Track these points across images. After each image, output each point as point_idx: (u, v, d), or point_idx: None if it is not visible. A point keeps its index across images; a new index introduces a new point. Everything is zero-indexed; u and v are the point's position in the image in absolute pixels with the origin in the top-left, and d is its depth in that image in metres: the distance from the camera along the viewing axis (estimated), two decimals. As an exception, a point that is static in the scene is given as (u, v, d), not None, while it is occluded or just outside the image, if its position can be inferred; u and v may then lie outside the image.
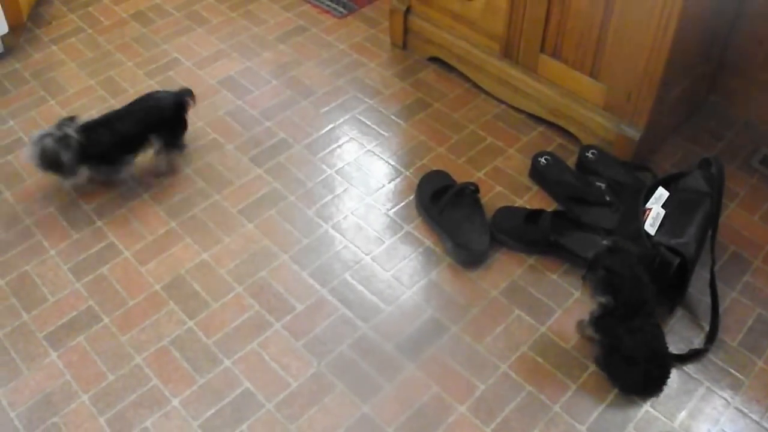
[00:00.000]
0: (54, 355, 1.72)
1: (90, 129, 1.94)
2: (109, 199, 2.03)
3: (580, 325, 1.71)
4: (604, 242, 1.64)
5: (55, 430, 1.60)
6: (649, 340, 1.61)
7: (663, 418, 1.60)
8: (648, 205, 1.85)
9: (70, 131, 1.89)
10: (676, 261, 1.72)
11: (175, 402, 1.64)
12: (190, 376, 1.67)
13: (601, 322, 1.63)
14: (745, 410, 1.61)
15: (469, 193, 1.92)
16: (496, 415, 1.61)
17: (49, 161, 1.88)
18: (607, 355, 1.64)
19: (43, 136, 1.88)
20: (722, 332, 1.74)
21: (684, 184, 1.88)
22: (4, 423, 1.62)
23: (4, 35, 2.48)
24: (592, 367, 1.67)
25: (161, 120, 2.01)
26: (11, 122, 2.27)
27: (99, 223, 1.97)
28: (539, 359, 1.69)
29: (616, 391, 1.62)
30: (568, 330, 1.74)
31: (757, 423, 1.59)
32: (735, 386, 1.66)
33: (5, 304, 1.82)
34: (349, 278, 1.85)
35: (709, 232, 1.82)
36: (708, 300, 1.77)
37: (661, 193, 1.87)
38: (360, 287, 1.83)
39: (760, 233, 1.95)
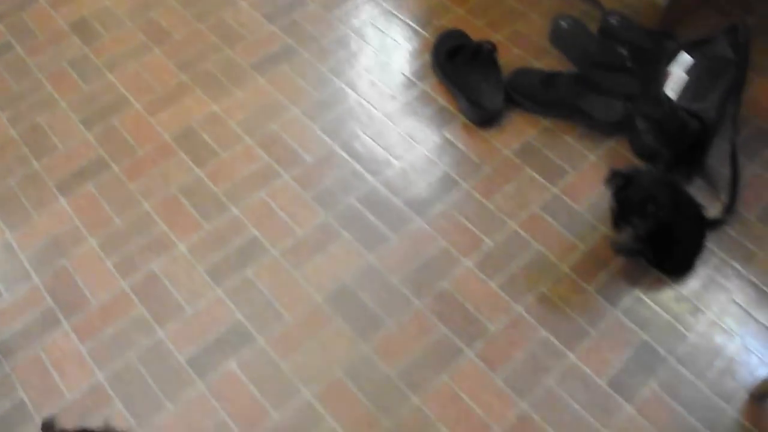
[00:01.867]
0: (63, 201, 1.67)
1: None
2: (120, 54, 1.95)
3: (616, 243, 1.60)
4: (621, 173, 1.51)
5: (63, 273, 1.57)
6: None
7: (673, 285, 1.54)
8: (670, 70, 1.73)
9: None
10: (696, 125, 1.62)
11: (182, 247, 1.59)
12: (197, 223, 1.62)
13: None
14: (757, 282, 1.53)
15: (485, 52, 1.79)
16: (502, 270, 1.54)
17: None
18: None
19: None
20: (740, 205, 1.65)
21: (709, 51, 1.75)
22: (15, 265, 1.59)
23: None
24: (602, 229, 1.59)
25: None
26: None
27: (110, 77, 1.89)
28: (549, 219, 1.61)
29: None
30: (581, 192, 1.65)
31: (766, 292, 1.52)
32: (748, 258, 1.56)
33: (17, 154, 1.75)
34: (360, 133, 1.75)
35: (733, 101, 1.71)
36: (728, 172, 1.67)
37: (684, 59, 1.74)
38: (371, 142, 1.74)
39: (786, 106, 1.83)
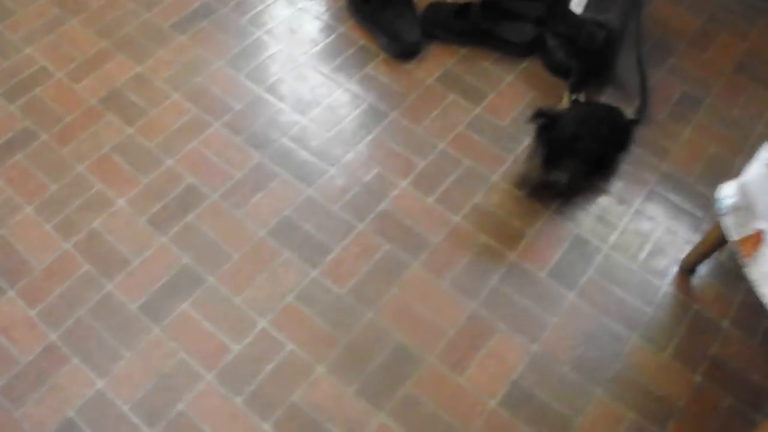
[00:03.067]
0: (-6, 174, 1.63)
1: None
2: (36, 28, 1.89)
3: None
4: (545, 112, 1.48)
5: (1, 242, 1.52)
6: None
7: (599, 183, 1.59)
8: (574, -12, 1.79)
9: None
10: (603, 34, 1.67)
11: (121, 202, 1.56)
12: (134, 178, 1.59)
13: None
14: (673, 172, 1.61)
15: (398, -9, 1.82)
16: (436, 187, 1.57)
17: None
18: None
19: None
20: (651, 107, 1.72)
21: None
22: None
23: None
24: (527, 140, 1.64)
25: None
26: None
27: (28, 50, 1.83)
28: (475, 136, 1.65)
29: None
30: (502, 109, 1.69)
31: (680, 180, 1.59)
32: (663, 153, 1.64)
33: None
34: (284, 77, 1.74)
35: (635, 15, 1.78)
36: (636, 80, 1.74)
37: (586, -24, 1.81)
38: (296, 84, 1.73)
39: (685, 21, 1.91)
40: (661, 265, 1.48)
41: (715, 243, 1.38)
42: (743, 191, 0.96)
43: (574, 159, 1.51)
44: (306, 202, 1.55)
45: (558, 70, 1.75)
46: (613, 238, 1.51)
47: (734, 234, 0.98)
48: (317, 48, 1.81)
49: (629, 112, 1.67)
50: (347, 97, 1.71)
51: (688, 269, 1.47)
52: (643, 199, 1.57)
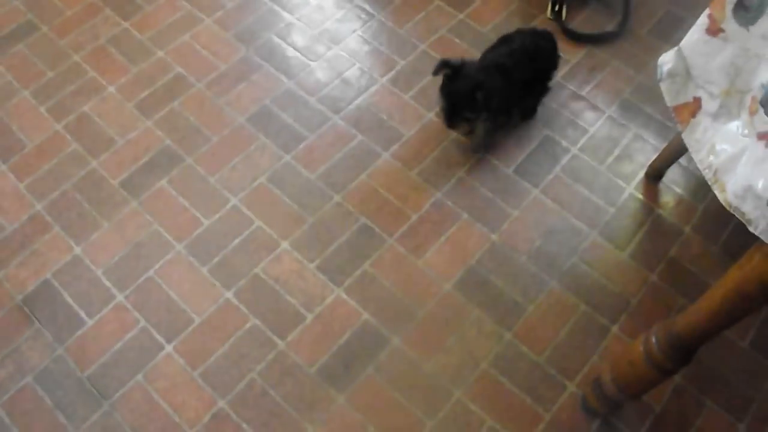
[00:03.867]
0: (-4, 59, 1.69)
1: None
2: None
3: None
4: (448, 63, 1.37)
5: (0, 125, 1.60)
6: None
7: (571, 87, 1.59)
8: None
9: None
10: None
11: (111, 89, 1.61)
12: (125, 67, 1.64)
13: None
14: (648, 84, 1.60)
15: None
16: (414, 85, 1.58)
17: None
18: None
19: None
20: (633, 23, 1.71)
21: None
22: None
23: None
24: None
25: None
26: None
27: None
28: (456, 40, 1.64)
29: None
30: (485, 16, 1.69)
31: (655, 91, 1.57)
32: (641, 65, 1.63)
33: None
34: (277, -20, 1.80)
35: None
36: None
37: None
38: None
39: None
40: (628, 169, 1.48)
41: (679, 149, 1.38)
42: (680, 56, 0.96)
43: (477, 110, 1.39)
44: (286, 94, 1.58)
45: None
46: (582, 141, 1.51)
47: (671, 100, 0.99)
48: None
49: (611, 26, 1.67)
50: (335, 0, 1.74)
51: (654, 175, 1.47)
52: (617, 107, 1.56)
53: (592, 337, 1.31)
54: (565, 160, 1.49)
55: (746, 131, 0.87)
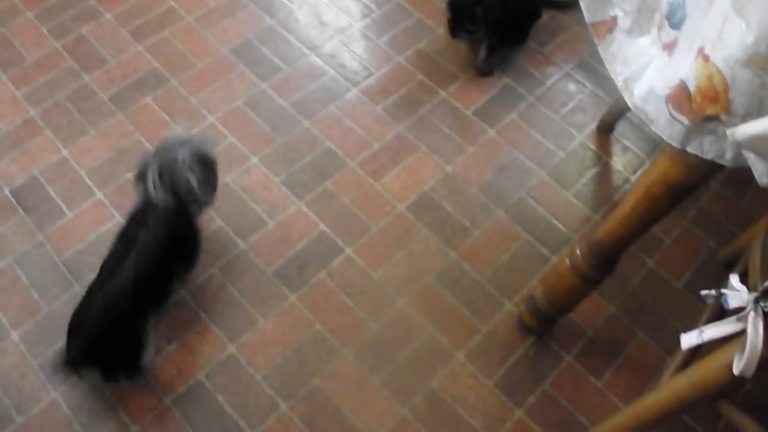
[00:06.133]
0: None
1: None
2: None
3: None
4: None
5: (3, 40, 1.70)
6: None
7: (534, 45, 1.68)
8: None
9: None
10: None
11: (109, 15, 1.70)
12: None
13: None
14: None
15: None
16: (386, 32, 1.68)
17: None
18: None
19: None
20: None
21: None
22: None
23: None
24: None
25: None
26: None
27: None
28: (434, -3, 1.78)
29: None
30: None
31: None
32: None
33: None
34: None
35: None
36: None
37: None
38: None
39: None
40: (581, 120, 1.58)
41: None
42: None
43: (476, 23, 1.57)
44: (267, 30, 1.68)
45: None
46: (540, 91, 1.61)
47: (590, 17, 1.08)
48: None
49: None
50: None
51: (604, 128, 1.56)
52: (575, 66, 1.66)
53: (532, 263, 1.40)
54: (522, 106, 1.58)
55: (654, 46, 0.97)
